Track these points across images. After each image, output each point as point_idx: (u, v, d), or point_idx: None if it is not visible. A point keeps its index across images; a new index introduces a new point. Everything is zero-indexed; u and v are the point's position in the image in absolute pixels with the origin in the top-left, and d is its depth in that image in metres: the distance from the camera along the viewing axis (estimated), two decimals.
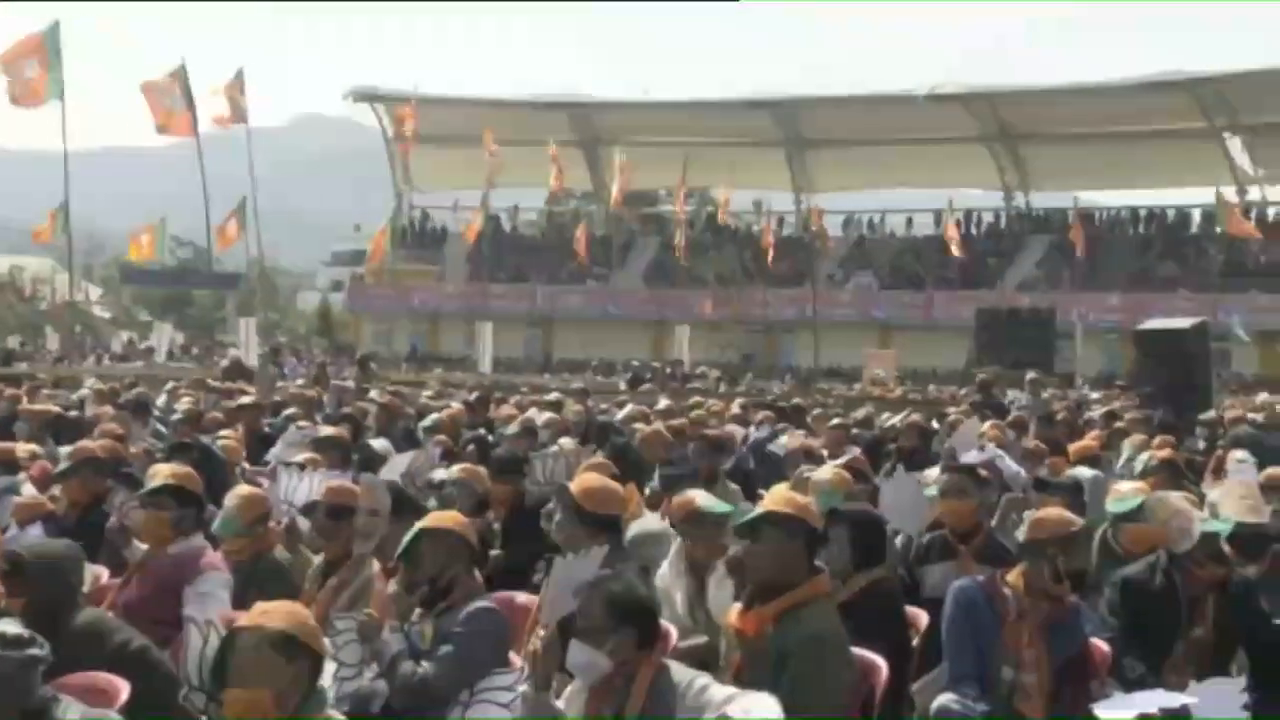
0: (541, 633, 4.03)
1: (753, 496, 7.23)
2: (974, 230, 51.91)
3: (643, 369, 32.24)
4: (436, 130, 50.13)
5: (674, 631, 5.05)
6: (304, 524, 6.16)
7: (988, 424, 11.21)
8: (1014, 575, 4.87)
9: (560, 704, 3.94)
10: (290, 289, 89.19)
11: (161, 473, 5.85)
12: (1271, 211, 49.07)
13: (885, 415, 15.12)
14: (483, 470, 7.65)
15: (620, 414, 13.71)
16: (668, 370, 31.91)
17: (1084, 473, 8.40)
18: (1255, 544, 5.69)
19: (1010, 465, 8.80)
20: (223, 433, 9.93)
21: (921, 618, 5.44)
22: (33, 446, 8.65)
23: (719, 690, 3.67)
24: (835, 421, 12.53)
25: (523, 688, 3.96)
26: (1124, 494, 6.41)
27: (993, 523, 6.59)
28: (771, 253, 46.86)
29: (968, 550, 6.02)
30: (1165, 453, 8.66)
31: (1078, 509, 6.17)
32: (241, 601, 4.95)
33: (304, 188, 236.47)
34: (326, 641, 4.82)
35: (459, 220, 55.87)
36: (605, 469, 6.72)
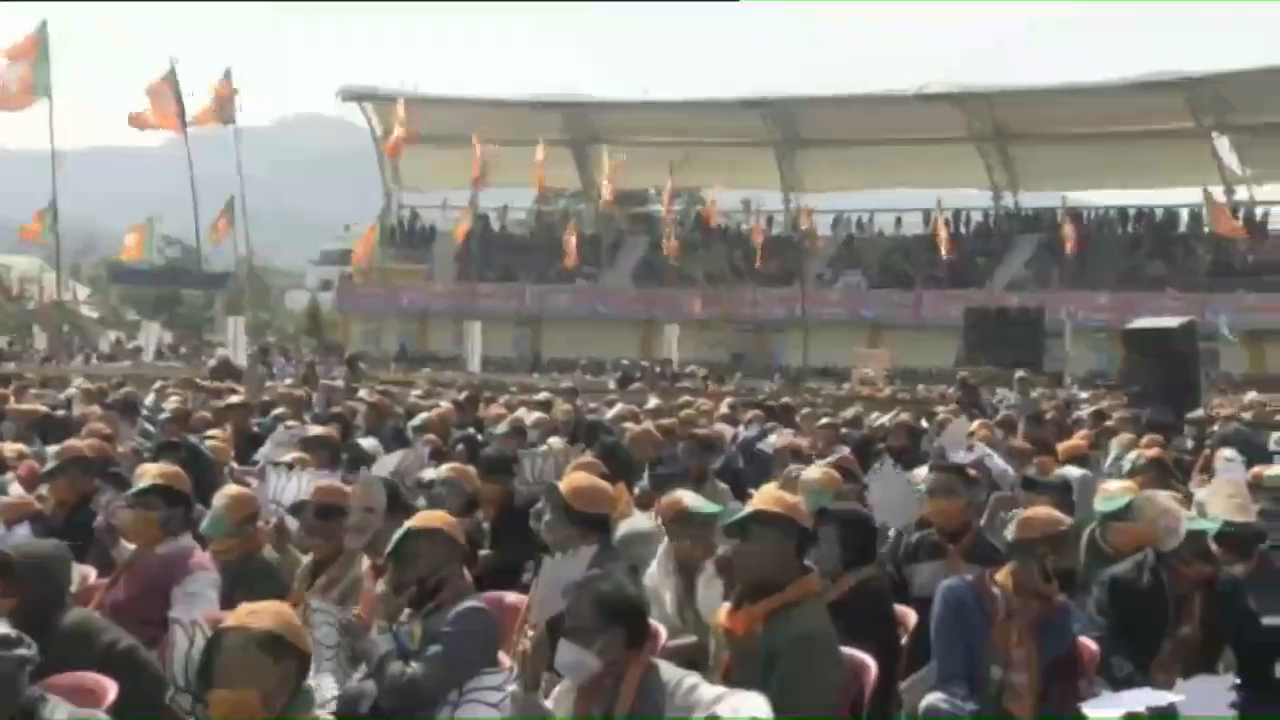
0: (530, 633, 4.03)
1: (742, 496, 7.24)
2: (963, 229, 51.97)
3: (632, 368, 32.26)
4: (426, 130, 50.06)
5: (663, 631, 5.04)
6: (292, 524, 6.14)
7: (977, 423, 11.24)
8: (1003, 574, 4.87)
9: (549, 704, 3.94)
10: (280, 288, 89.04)
11: (150, 472, 5.83)
12: (1260, 211, 49.21)
13: (874, 415, 15.14)
14: (472, 470, 7.65)
15: (609, 413, 13.69)
16: (657, 369, 31.92)
17: (1072, 472, 8.41)
18: (1243, 543, 5.72)
19: (999, 464, 8.81)
20: (211, 432, 9.91)
21: (910, 617, 5.45)
22: (20, 446, 8.61)
23: (708, 690, 3.67)
24: (824, 421, 12.54)
25: (512, 688, 3.96)
26: (1112, 493, 6.42)
27: (981, 522, 6.59)
28: (761, 252, 46.89)
29: (956, 549, 6.02)
30: (1153, 452, 8.67)
31: (1066, 508, 6.18)
32: (230, 601, 4.93)
33: (295, 187, 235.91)
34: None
35: (448, 220, 55.82)
36: (594, 468, 6.72)
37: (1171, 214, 50.40)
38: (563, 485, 5.26)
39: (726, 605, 4.52)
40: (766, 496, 4.67)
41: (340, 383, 19.04)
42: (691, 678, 3.74)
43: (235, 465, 9.47)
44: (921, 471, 7.42)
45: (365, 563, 5.40)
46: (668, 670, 3.78)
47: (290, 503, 6.17)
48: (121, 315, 66.50)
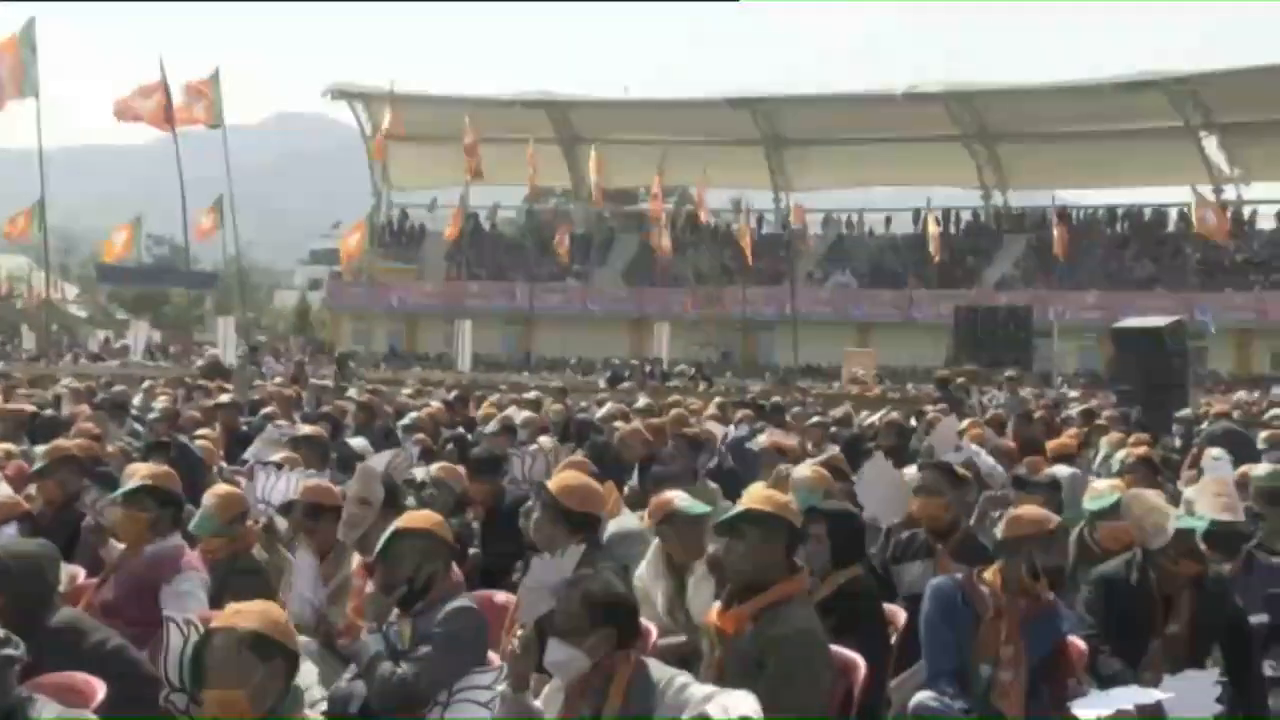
0: (519, 632, 4.02)
1: (733, 495, 7.23)
2: (952, 229, 52.08)
3: (622, 367, 32.30)
4: (415, 128, 50.02)
5: (653, 630, 5.04)
6: (282, 523, 6.13)
7: (967, 421, 11.26)
8: (991, 573, 4.88)
9: (538, 703, 3.94)
10: (268, 288, 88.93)
11: (139, 472, 5.82)
12: (1247, 210, 49.38)
13: (864, 413, 15.17)
14: (461, 469, 7.64)
15: (599, 412, 13.70)
16: (647, 368, 31.95)
17: (1062, 470, 8.43)
18: (1230, 541, 5.74)
19: (987, 462, 8.82)
20: (200, 432, 9.89)
21: (899, 615, 5.45)
22: (8, 445, 8.58)
23: (698, 688, 3.66)
24: (814, 420, 12.56)
25: (501, 687, 3.95)
26: (1100, 492, 6.44)
27: (971, 521, 6.60)
28: (751, 251, 46.95)
29: (945, 548, 6.03)
30: (1140, 450, 8.70)
31: (1055, 507, 6.19)
32: (219, 601, 4.93)
33: (283, 186, 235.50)
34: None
35: (437, 219, 55.78)
36: (584, 467, 6.72)
37: (1160, 214, 50.57)
38: (552, 484, 5.26)
39: (717, 604, 4.52)
40: (757, 495, 4.67)
41: (330, 382, 19.06)
42: (682, 677, 3.74)
43: (224, 465, 9.45)
44: (910, 470, 7.43)
45: (357, 557, 5.39)
46: (657, 669, 3.78)
47: (279, 502, 6.16)
48: (110, 314, 66.33)
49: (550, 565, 4.15)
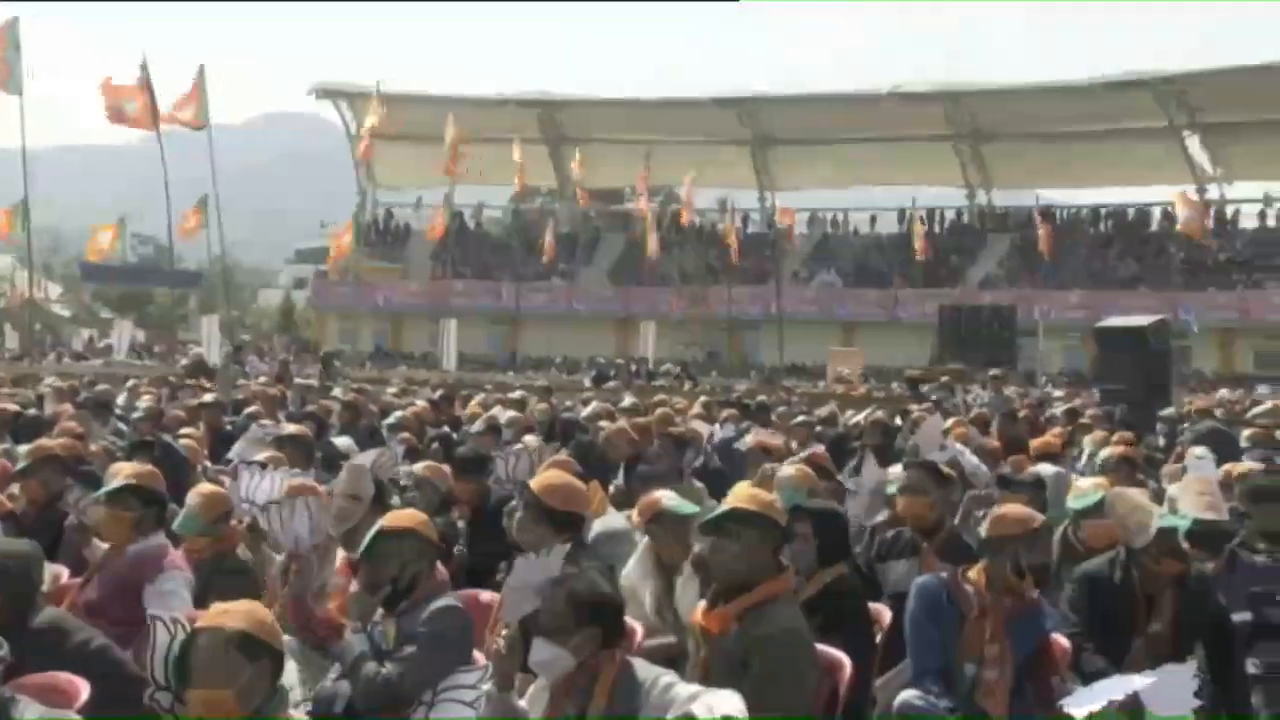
0: (504, 631, 4.02)
1: (719, 495, 7.22)
2: (937, 228, 52.21)
3: (607, 366, 32.29)
4: (400, 127, 49.95)
5: (639, 629, 5.04)
6: (265, 523, 6.11)
7: (951, 420, 11.28)
8: (976, 571, 4.89)
9: (523, 703, 3.93)
10: (253, 287, 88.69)
11: (123, 472, 5.80)
12: (1230, 210, 49.59)
13: (849, 413, 15.19)
14: (447, 468, 7.63)
15: (585, 411, 13.69)
16: (632, 368, 31.95)
17: (1046, 469, 8.46)
18: (1213, 540, 5.76)
19: (972, 461, 8.84)
20: (184, 431, 9.86)
21: (884, 614, 5.46)
22: None
23: (683, 688, 3.66)
24: (799, 419, 12.58)
25: (486, 686, 3.95)
26: (1084, 490, 6.46)
27: (956, 520, 6.62)
28: (736, 250, 46.97)
29: (930, 546, 6.05)
30: (1120, 450, 8.73)
31: (1040, 505, 6.21)
32: (203, 601, 4.91)
33: (269, 185, 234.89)
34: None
35: (423, 218, 55.71)
36: (568, 466, 6.71)
37: (1143, 213, 50.75)
38: (535, 483, 5.25)
39: (702, 604, 4.52)
40: (742, 494, 4.67)
41: (314, 381, 19.02)
42: (667, 676, 3.74)
43: (209, 464, 9.42)
44: (896, 469, 7.45)
45: (342, 552, 5.38)
46: (643, 668, 3.77)
47: (264, 502, 6.14)
48: (95, 313, 66.08)
49: (535, 565, 4.15)
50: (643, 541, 5.80)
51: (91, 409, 11.48)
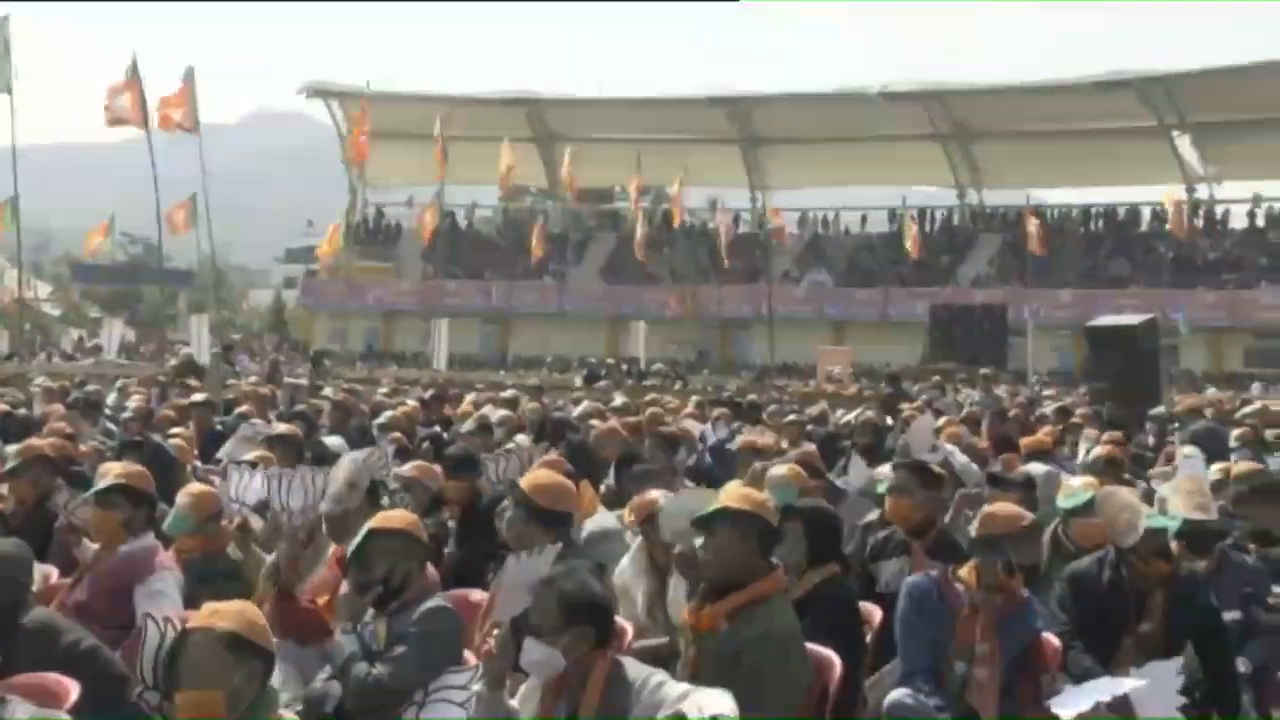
0: (494, 631, 4.02)
1: None
2: (928, 227, 52.26)
3: (598, 366, 32.28)
4: (391, 126, 49.88)
5: (630, 629, 5.04)
6: (256, 522, 6.10)
7: (943, 419, 11.30)
8: (966, 570, 4.90)
9: (514, 703, 3.93)
10: (243, 286, 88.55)
11: (112, 472, 5.79)
12: (1220, 209, 49.72)
13: (840, 412, 15.20)
14: (437, 468, 7.62)
15: (576, 411, 13.68)
16: (624, 367, 31.95)
17: (1036, 468, 8.46)
18: (1203, 540, 5.77)
19: (962, 459, 8.85)
20: (174, 430, 9.84)
21: (875, 613, 5.46)
22: None
23: (674, 687, 3.66)
24: (790, 418, 12.58)
25: (477, 686, 3.95)
26: (1074, 489, 6.47)
27: (946, 519, 6.62)
28: (727, 250, 46.96)
29: (921, 546, 6.05)
30: (1106, 450, 8.74)
31: (1030, 504, 6.22)
32: (193, 601, 4.90)
33: (259, 184, 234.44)
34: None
35: (414, 217, 55.64)
36: (559, 466, 6.70)
37: (1133, 212, 50.86)
38: (525, 483, 5.24)
39: (689, 602, 4.52)
40: (733, 493, 4.67)
41: (304, 381, 18.98)
42: (658, 675, 3.74)
43: (199, 464, 9.40)
44: (885, 469, 7.45)
45: (333, 546, 5.36)
46: (634, 668, 3.77)
47: (253, 501, 6.13)
48: (84, 313, 65.94)
49: (526, 564, 4.15)
50: (636, 541, 5.79)
51: (81, 409, 11.44)
